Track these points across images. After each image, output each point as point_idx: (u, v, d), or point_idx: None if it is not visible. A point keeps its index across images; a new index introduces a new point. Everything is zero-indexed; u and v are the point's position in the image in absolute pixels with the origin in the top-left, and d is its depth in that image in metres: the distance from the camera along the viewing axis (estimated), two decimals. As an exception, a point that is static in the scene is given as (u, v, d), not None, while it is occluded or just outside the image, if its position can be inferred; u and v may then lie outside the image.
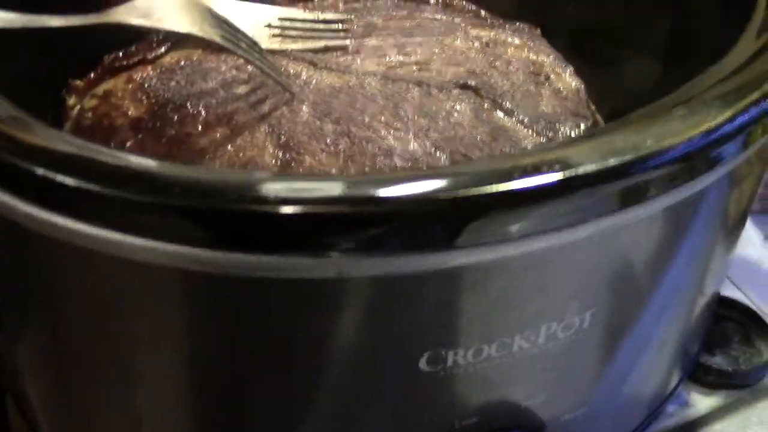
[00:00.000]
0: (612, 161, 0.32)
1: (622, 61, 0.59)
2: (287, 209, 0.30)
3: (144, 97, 0.49)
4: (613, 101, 0.58)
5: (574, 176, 0.32)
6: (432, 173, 0.32)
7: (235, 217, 0.31)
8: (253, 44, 0.48)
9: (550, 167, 0.32)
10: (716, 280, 0.51)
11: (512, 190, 0.31)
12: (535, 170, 0.32)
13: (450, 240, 0.32)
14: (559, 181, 0.32)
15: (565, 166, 0.32)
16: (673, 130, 0.34)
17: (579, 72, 0.56)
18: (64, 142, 0.33)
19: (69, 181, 0.31)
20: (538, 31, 0.59)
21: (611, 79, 0.59)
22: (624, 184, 0.33)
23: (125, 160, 0.32)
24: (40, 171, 0.32)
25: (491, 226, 0.32)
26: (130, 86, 0.50)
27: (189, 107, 0.48)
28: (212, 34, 0.45)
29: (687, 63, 0.54)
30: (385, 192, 0.31)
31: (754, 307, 0.62)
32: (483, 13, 0.60)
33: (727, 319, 0.61)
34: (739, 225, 0.48)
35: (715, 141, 0.34)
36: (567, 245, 0.35)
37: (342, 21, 0.55)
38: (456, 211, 0.31)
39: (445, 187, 0.31)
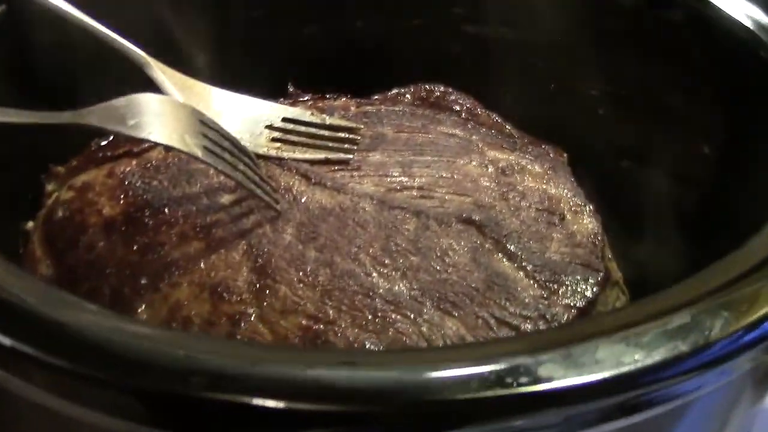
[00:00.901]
0: (591, 378, 0.28)
1: (647, 188, 0.55)
2: (218, 396, 0.28)
3: (122, 196, 0.46)
4: (632, 233, 0.53)
5: (544, 392, 0.28)
6: (381, 370, 0.28)
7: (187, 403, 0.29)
8: (241, 154, 0.44)
9: (515, 380, 0.28)
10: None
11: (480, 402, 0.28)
12: (499, 383, 0.27)
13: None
14: (523, 399, 0.27)
15: (534, 380, 0.28)
16: (667, 344, 0.29)
17: (599, 200, 0.51)
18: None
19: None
20: (565, 157, 0.54)
21: (634, 207, 0.54)
22: (607, 402, 0.29)
23: (63, 321, 0.30)
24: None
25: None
26: (110, 181, 0.47)
27: (167, 213, 0.45)
28: (193, 147, 0.41)
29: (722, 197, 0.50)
30: (341, 392, 0.28)
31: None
32: (508, 128, 0.56)
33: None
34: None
35: (716, 360, 0.30)
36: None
37: (349, 129, 0.51)
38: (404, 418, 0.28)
39: (390, 394, 0.28)
